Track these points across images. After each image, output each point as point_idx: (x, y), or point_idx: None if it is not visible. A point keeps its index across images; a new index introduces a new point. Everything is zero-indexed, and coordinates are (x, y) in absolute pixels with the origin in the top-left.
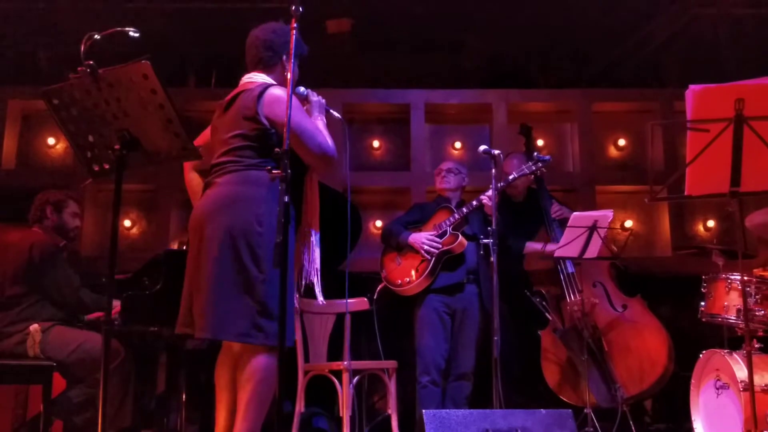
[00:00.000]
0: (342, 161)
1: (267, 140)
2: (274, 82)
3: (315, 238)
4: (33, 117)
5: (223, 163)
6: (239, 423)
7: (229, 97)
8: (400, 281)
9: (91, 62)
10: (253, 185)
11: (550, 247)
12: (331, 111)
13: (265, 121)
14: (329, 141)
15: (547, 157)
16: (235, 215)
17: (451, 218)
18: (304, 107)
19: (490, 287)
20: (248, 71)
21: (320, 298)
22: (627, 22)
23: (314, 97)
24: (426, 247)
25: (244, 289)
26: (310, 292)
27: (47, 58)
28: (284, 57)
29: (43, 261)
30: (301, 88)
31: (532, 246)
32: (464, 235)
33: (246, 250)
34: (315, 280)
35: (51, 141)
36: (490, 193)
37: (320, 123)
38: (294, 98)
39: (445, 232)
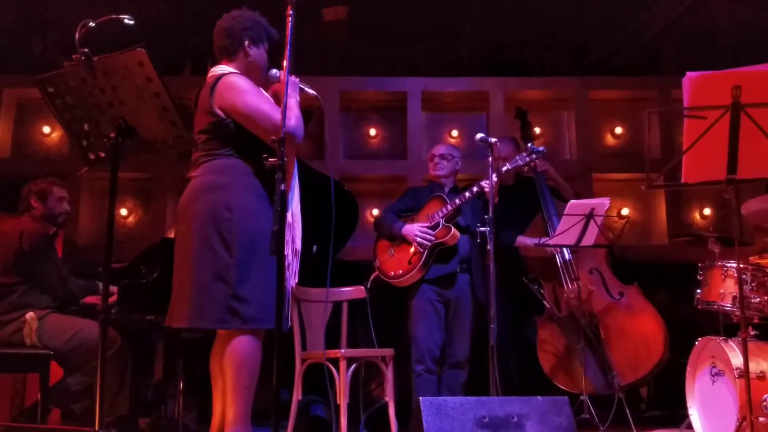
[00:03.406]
0: (310, 141)
1: (225, 130)
2: (235, 71)
3: (293, 220)
4: (28, 105)
5: (196, 159)
6: (229, 409)
7: (195, 94)
8: (393, 273)
9: (86, 50)
10: (223, 173)
11: (543, 241)
12: (306, 88)
13: (219, 112)
14: (291, 120)
15: (542, 148)
16: (205, 203)
17: (443, 209)
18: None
19: (483, 276)
20: (217, 62)
21: (293, 281)
22: (624, 9)
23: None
24: (419, 239)
25: (217, 276)
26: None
27: (42, 45)
28: (246, 42)
29: (33, 249)
30: (273, 71)
31: (523, 240)
32: (457, 226)
33: (216, 236)
34: (292, 261)
35: (46, 129)
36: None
37: (292, 101)
38: (245, 80)
39: (437, 224)
